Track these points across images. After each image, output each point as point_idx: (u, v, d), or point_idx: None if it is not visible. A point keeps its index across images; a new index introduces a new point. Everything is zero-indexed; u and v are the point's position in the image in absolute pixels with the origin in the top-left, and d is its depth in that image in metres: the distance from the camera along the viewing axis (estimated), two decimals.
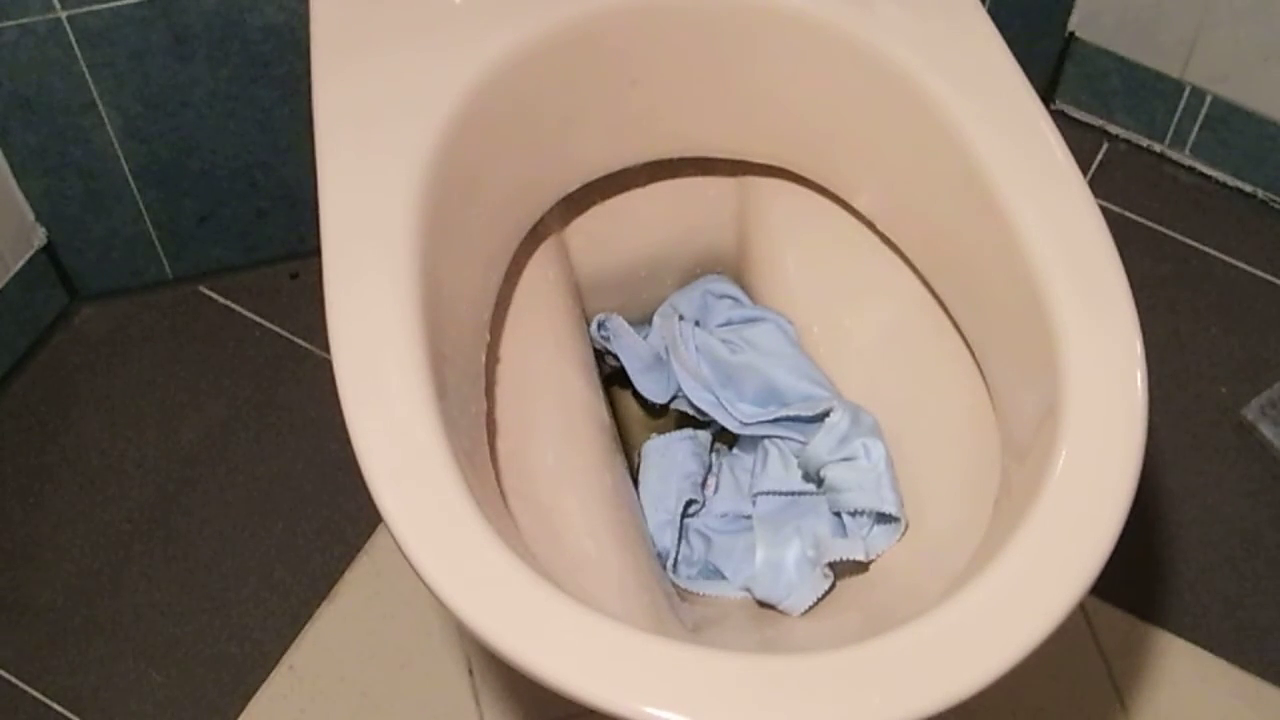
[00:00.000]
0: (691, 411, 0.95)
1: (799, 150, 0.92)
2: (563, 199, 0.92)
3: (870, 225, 0.91)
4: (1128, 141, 1.39)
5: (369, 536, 1.14)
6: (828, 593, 0.84)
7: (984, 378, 0.82)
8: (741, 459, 0.95)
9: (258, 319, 1.27)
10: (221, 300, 1.28)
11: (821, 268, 0.97)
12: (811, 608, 0.83)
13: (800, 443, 0.90)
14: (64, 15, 1.05)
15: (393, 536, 0.65)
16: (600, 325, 0.99)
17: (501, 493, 0.80)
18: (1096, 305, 0.72)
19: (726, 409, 0.93)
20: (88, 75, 1.10)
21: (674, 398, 0.97)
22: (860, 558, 0.83)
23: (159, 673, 1.08)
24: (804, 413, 0.89)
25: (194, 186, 1.21)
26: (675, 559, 0.91)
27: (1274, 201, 1.34)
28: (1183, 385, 1.22)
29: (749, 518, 0.91)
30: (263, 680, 1.07)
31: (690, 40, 0.87)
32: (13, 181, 1.16)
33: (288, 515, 1.16)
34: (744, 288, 1.01)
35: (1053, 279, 0.73)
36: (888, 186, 0.88)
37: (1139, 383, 0.69)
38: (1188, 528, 1.14)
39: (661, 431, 0.97)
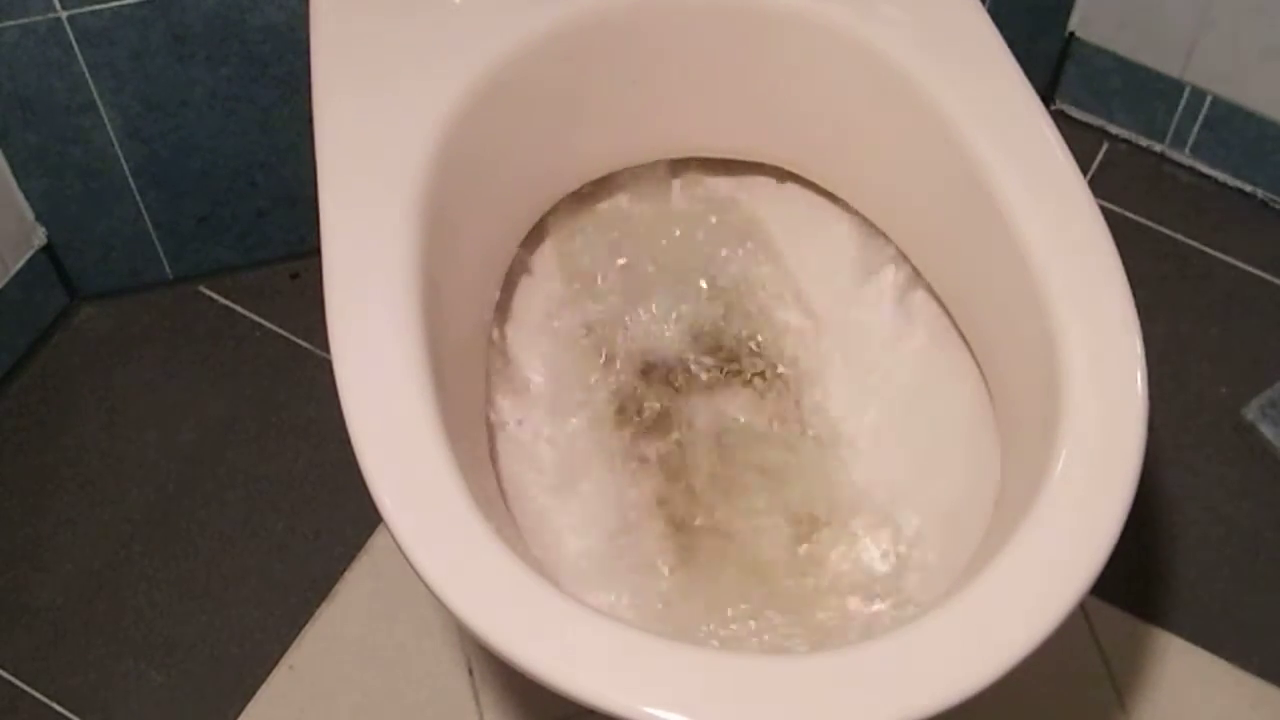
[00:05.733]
0: None
1: (799, 150, 0.92)
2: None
3: (870, 225, 0.90)
4: (1128, 141, 1.39)
5: (369, 536, 1.14)
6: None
7: (984, 377, 0.82)
8: None
9: (258, 319, 1.27)
10: (221, 300, 1.28)
11: (821, 268, 0.97)
12: None
13: None
14: (64, 15, 1.05)
15: (392, 536, 0.65)
16: None
17: (502, 493, 0.80)
18: (1096, 305, 0.72)
19: None
20: (88, 75, 1.09)
21: None
22: None
23: (159, 673, 1.08)
24: None
25: (194, 186, 1.20)
26: None
27: (1274, 201, 1.34)
28: (1183, 385, 1.22)
29: None
30: (263, 680, 1.07)
31: (690, 40, 0.87)
32: (13, 181, 1.16)
33: (288, 515, 1.16)
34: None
35: (1052, 279, 0.73)
36: (888, 186, 0.88)
37: (1139, 382, 0.69)
38: (1188, 528, 1.14)
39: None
